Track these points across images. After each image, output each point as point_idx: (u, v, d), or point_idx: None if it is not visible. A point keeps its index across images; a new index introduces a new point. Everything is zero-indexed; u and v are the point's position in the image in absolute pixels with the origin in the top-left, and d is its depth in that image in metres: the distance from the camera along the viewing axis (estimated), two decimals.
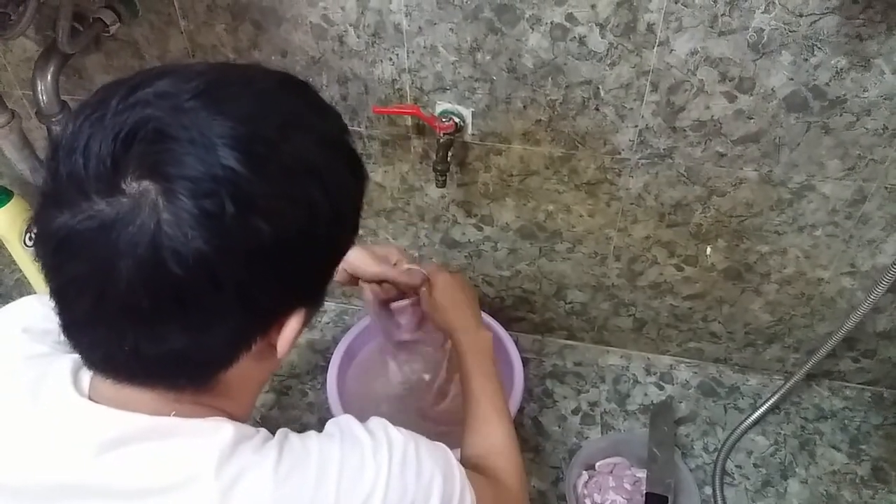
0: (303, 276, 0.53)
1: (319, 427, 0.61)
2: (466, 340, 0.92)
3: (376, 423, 0.61)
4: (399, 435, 0.59)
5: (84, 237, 0.45)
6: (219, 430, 0.53)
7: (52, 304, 0.50)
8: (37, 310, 0.63)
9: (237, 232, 0.45)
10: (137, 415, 0.52)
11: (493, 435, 0.83)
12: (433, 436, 0.64)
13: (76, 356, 0.54)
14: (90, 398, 0.54)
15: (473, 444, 0.82)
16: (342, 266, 0.96)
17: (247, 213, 0.45)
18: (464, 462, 0.78)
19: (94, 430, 0.52)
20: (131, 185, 0.44)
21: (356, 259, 0.96)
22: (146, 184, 0.44)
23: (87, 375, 0.55)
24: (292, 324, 0.54)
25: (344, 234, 0.56)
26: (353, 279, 0.99)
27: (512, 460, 0.80)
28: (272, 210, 0.47)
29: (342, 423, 0.60)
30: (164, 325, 0.48)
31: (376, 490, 0.55)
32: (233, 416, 0.57)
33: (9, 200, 1.28)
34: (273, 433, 0.57)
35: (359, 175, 0.57)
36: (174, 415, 0.53)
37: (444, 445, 0.63)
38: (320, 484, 0.53)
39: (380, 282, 1.00)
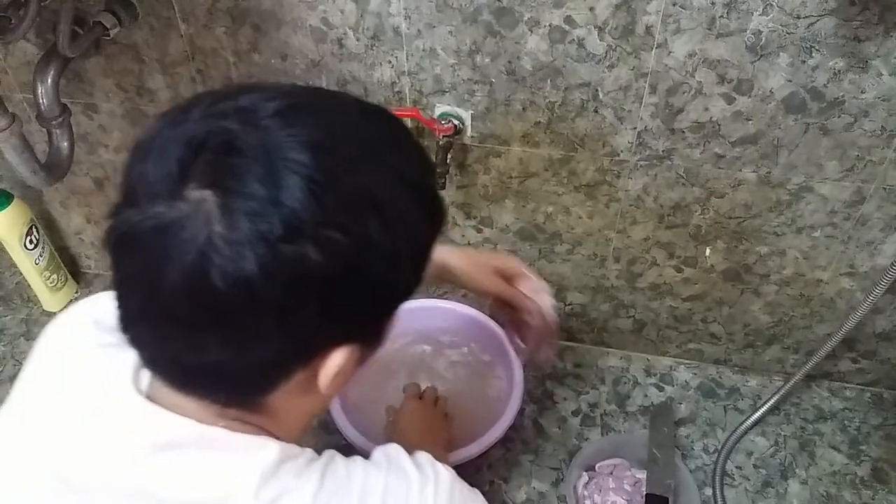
0: (351, 311, 0.51)
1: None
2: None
3: (424, 456, 0.60)
4: (447, 473, 0.58)
5: (141, 236, 0.46)
6: (264, 448, 0.53)
7: (102, 315, 0.52)
8: (108, 305, 0.63)
9: (285, 256, 0.45)
10: (188, 420, 0.52)
11: None
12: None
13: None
14: (148, 397, 0.54)
15: None
16: (447, 275, 0.92)
17: (297, 238, 0.45)
18: None
19: (147, 431, 0.52)
20: (193, 193, 0.45)
21: (456, 266, 0.90)
22: (207, 193, 0.44)
23: (146, 374, 0.55)
24: (335, 359, 0.53)
25: (404, 275, 0.53)
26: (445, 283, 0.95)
27: None
28: (324, 239, 0.46)
29: (390, 453, 0.60)
30: (202, 336, 0.48)
31: None
32: (278, 439, 0.56)
33: (9, 204, 1.29)
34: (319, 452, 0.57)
35: (434, 221, 0.56)
36: (222, 426, 0.53)
37: (480, 493, 0.63)
38: None
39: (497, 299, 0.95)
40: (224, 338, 0.48)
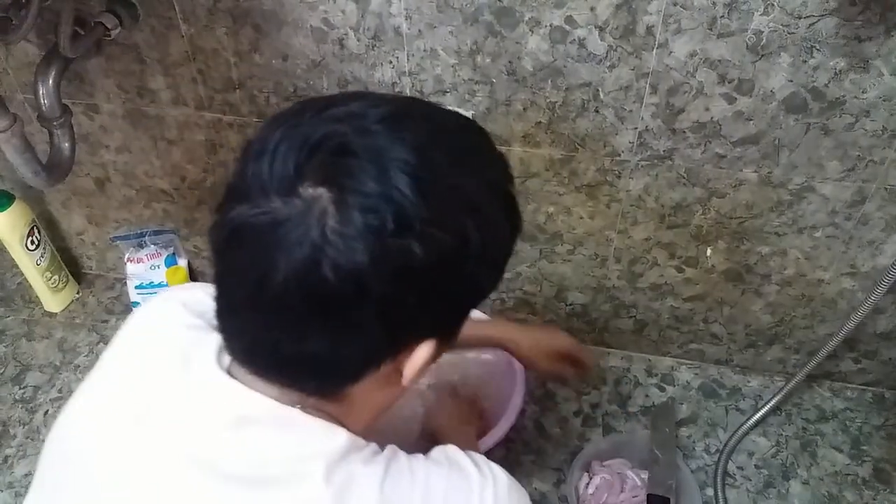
0: (442, 306, 0.55)
1: None
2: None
3: (479, 457, 0.62)
4: (503, 474, 0.61)
5: (255, 230, 0.49)
6: (335, 435, 0.55)
7: (213, 288, 0.54)
8: (196, 292, 0.66)
9: (392, 250, 0.48)
10: (267, 399, 0.55)
11: None
12: None
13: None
14: (229, 374, 0.56)
15: None
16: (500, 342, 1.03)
17: (405, 233, 0.48)
18: None
19: (228, 405, 0.55)
20: (307, 190, 0.48)
21: (522, 345, 1.01)
22: (321, 191, 0.48)
23: (227, 356, 0.58)
24: (422, 352, 0.56)
25: (489, 276, 0.58)
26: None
27: None
28: (428, 236, 0.49)
29: (450, 453, 0.62)
30: (307, 326, 0.51)
31: None
32: (348, 429, 0.58)
33: (10, 204, 1.29)
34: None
35: (514, 223, 0.60)
36: (299, 408, 0.55)
37: (524, 490, 0.64)
38: None
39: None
40: (327, 329, 0.51)
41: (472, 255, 0.53)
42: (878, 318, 1.15)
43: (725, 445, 1.19)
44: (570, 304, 1.30)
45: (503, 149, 1.05)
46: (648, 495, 1.06)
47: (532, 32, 0.91)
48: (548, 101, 0.98)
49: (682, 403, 1.27)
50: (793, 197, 1.01)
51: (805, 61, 0.86)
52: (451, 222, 0.51)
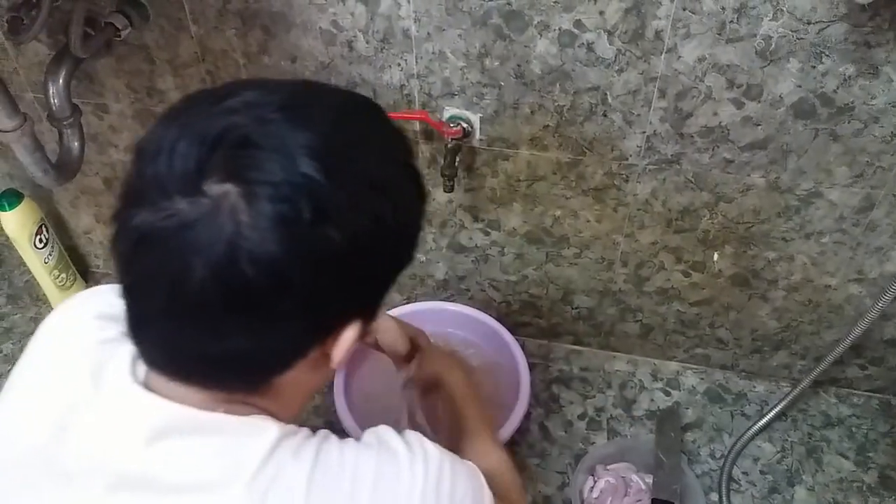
0: (364, 288, 0.55)
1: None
2: (457, 378, 0.90)
3: (414, 436, 0.61)
4: (435, 450, 0.59)
5: (163, 234, 0.47)
6: (264, 430, 0.54)
7: (122, 300, 0.52)
8: (108, 297, 0.64)
9: (310, 238, 0.47)
10: (187, 407, 0.53)
11: (491, 455, 0.81)
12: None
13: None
14: (145, 386, 0.55)
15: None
16: (377, 335, 0.99)
17: (321, 220, 0.47)
18: None
19: (145, 418, 0.53)
20: (213, 188, 0.46)
21: (387, 329, 0.98)
22: (228, 186, 0.46)
23: (143, 366, 0.56)
24: (349, 334, 0.55)
25: (405, 251, 0.58)
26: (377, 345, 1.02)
27: (512, 480, 0.79)
28: (344, 220, 0.49)
29: (380, 434, 0.61)
30: (229, 325, 0.49)
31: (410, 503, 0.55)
32: (279, 419, 0.58)
33: (19, 203, 1.29)
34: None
35: (421, 196, 0.59)
36: (223, 411, 0.54)
37: (473, 465, 0.63)
38: (354, 493, 0.54)
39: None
40: (251, 325, 0.49)
41: (388, 234, 0.53)
42: (885, 325, 1.15)
43: (730, 450, 1.19)
44: (577, 308, 1.30)
45: (510, 153, 1.06)
46: (653, 500, 1.06)
47: (541, 36, 0.91)
48: (556, 104, 0.98)
49: (687, 408, 1.27)
50: (800, 202, 1.01)
51: (814, 67, 0.86)
52: (364, 204, 0.50)
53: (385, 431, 0.61)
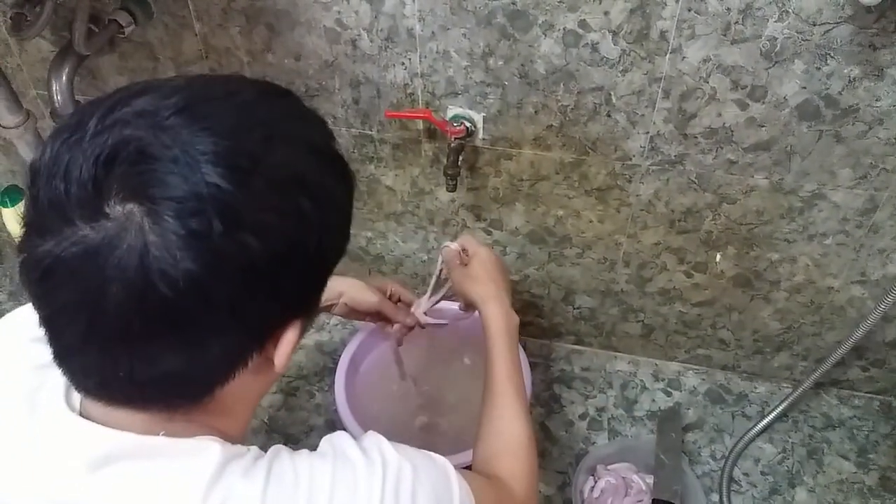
0: (296, 288, 0.52)
1: (326, 429, 0.60)
2: (497, 314, 0.89)
3: (371, 440, 0.59)
4: (394, 454, 0.57)
5: (70, 264, 0.44)
6: (206, 451, 0.52)
7: (42, 330, 0.49)
8: None
9: (226, 249, 0.45)
10: (126, 433, 0.51)
11: (509, 431, 0.81)
12: (440, 445, 0.63)
13: None
14: (81, 414, 0.53)
15: (487, 441, 0.81)
16: (342, 300, 1.03)
17: (235, 229, 0.45)
18: (475, 461, 0.79)
19: (84, 447, 0.51)
20: (115, 209, 0.43)
21: (355, 293, 1.01)
22: (130, 206, 0.43)
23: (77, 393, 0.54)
24: (289, 336, 0.53)
25: (335, 242, 0.55)
26: (354, 312, 1.04)
27: (523, 462, 0.78)
28: (260, 224, 0.46)
29: (335, 442, 0.59)
30: (158, 346, 0.47)
31: None
32: (226, 433, 0.56)
33: (21, 199, 1.29)
34: (265, 449, 0.56)
35: (347, 181, 0.56)
36: (163, 434, 0.52)
37: (441, 459, 0.62)
38: None
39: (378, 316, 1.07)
40: (180, 343, 0.47)
41: (313, 230, 0.50)
42: (886, 327, 1.15)
43: (731, 451, 1.19)
44: (578, 308, 1.30)
45: (514, 152, 1.05)
46: (654, 500, 1.06)
47: (545, 36, 0.91)
48: (559, 104, 0.98)
49: (688, 408, 1.27)
50: (804, 204, 1.01)
51: (819, 68, 0.86)
52: (281, 204, 0.48)
53: (340, 439, 0.60)
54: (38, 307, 0.48)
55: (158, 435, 0.51)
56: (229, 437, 0.56)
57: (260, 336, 0.52)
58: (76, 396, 0.54)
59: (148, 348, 0.47)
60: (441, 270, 1.03)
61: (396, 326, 1.09)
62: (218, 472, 0.51)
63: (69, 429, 0.52)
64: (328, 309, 1.04)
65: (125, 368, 0.48)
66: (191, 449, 0.52)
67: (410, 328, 1.09)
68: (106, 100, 0.47)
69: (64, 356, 0.50)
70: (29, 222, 0.46)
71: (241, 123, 0.48)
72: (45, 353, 0.56)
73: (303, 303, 0.54)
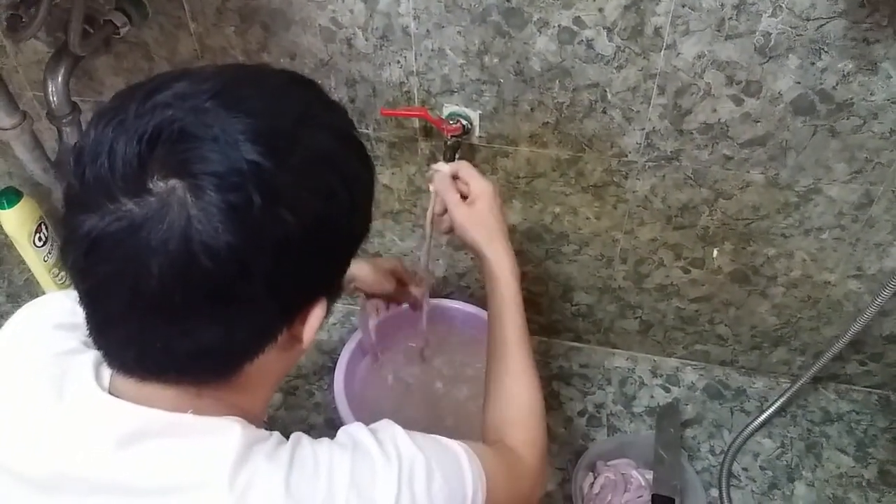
0: (326, 265, 0.55)
1: (326, 427, 0.61)
2: (505, 259, 0.84)
3: (386, 432, 0.61)
4: (408, 446, 0.59)
5: (115, 238, 0.46)
6: (229, 431, 0.54)
7: (80, 307, 0.51)
8: (65, 305, 0.63)
9: (264, 223, 0.47)
10: (156, 410, 0.53)
11: (520, 395, 0.80)
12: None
13: (97, 352, 0.55)
14: (110, 393, 0.55)
15: (498, 406, 0.80)
16: (353, 285, 1.03)
17: (272, 204, 0.47)
18: (485, 426, 0.80)
19: (115, 424, 0.52)
20: (158, 185, 0.46)
21: (364, 275, 1.02)
22: (173, 182, 0.46)
23: (107, 371, 0.56)
24: (316, 312, 0.56)
25: (361, 223, 0.58)
26: (357, 291, 1.05)
27: (534, 429, 0.79)
28: (296, 200, 0.49)
29: (353, 433, 0.61)
30: (196, 319, 0.49)
31: None
32: (250, 412, 0.58)
33: (18, 201, 1.29)
34: (286, 436, 0.58)
35: (369, 166, 0.59)
36: (191, 412, 0.53)
37: (453, 444, 0.63)
38: (330, 497, 0.54)
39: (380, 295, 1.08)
40: (219, 316, 0.49)
41: (341, 208, 0.53)
42: (884, 321, 1.15)
43: (730, 446, 1.19)
44: (576, 305, 1.30)
45: (510, 149, 1.06)
46: (653, 495, 1.06)
47: (540, 33, 0.91)
48: (555, 101, 0.98)
49: (687, 404, 1.27)
50: (800, 199, 1.01)
51: (813, 63, 0.86)
52: (314, 182, 0.50)
53: (358, 430, 0.61)
54: (81, 280, 0.50)
55: (187, 412, 0.53)
56: (252, 416, 0.58)
57: (290, 311, 0.54)
58: (105, 376, 0.56)
59: (186, 321, 0.49)
60: (433, 206, 0.92)
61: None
62: (244, 452, 0.53)
63: (99, 406, 0.54)
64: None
65: (163, 340, 0.50)
66: (216, 429, 0.54)
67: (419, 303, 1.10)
68: (146, 84, 0.50)
69: (103, 328, 0.52)
70: (72, 201, 0.49)
71: (273, 107, 0.51)
72: (67, 340, 0.59)
73: (330, 280, 0.58)
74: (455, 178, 0.89)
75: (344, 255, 0.58)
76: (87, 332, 0.53)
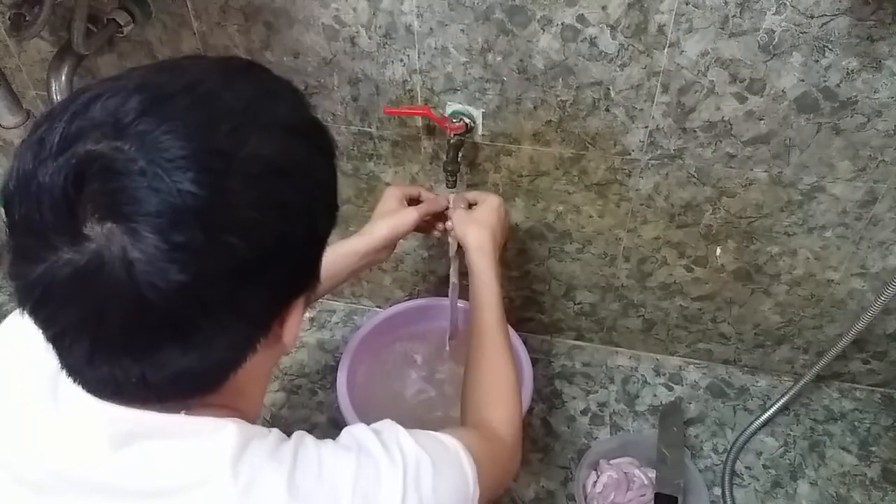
0: (292, 273, 0.52)
1: (329, 426, 0.61)
2: (487, 261, 0.93)
3: (389, 433, 0.60)
4: (412, 447, 0.59)
5: (63, 287, 0.44)
6: (224, 429, 0.53)
7: (50, 349, 0.49)
8: None
9: (213, 256, 0.44)
10: (149, 412, 0.51)
11: (496, 376, 0.85)
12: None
13: None
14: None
15: (477, 386, 0.85)
16: (387, 244, 0.99)
17: (217, 234, 0.44)
18: (465, 404, 0.84)
19: (107, 426, 0.51)
20: (94, 229, 0.43)
21: (396, 227, 0.98)
22: (109, 225, 0.42)
23: None
24: (295, 314, 0.54)
25: (323, 221, 0.54)
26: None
27: (510, 406, 0.83)
28: (243, 224, 0.45)
29: (357, 435, 0.60)
30: (166, 352, 0.47)
31: None
32: (244, 412, 0.57)
33: None
34: (287, 434, 0.57)
35: (326, 153, 0.55)
36: (184, 413, 0.52)
37: (451, 441, 0.63)
38: (335, 500, 0.53)
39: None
40: (185, 346, 0.47)
41: (299, 217, 0.50)
42: (887, 319, 1.15)
43: (733, 445, 1.19)
44: (579, 303, 1.30)
45: (513, 148, 1.06)
46: (656, 494, 1.06)
47: (543, 31, 0.91)
48: (558, 99, 0.98)
49: (690, 403, 1.27)
50: (803, 197, 1.01)
51: (817, 61, 0.86)
52: (261, 198, 0.46)
53: (362, 432, 0.61)
54: (43, 328, 0.47)
55: (179, 414, 0.52)
56: (246, 415, 0.57)
57: (263, 323, 0.52)
58: None
59: (155, 355, 0.47)
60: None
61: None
62: (240, 449, 0.52)
63: (92, 409, 0.52)
64: (381, 259, 1.03)
65: (137, 375, 0.48)
66: (210, 428, 0.53)
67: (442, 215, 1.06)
68: (61, 112, 0.45)
69: (76, 370, 0.50)
70: (14, 248, 0.46)
71: (206, 118, 0.46)
72: None
73: (302, 281, 0.55)
74: (471, 205, 1.01)
75: (311, 258, 0.55)
76: (65, 372, 0.51)
